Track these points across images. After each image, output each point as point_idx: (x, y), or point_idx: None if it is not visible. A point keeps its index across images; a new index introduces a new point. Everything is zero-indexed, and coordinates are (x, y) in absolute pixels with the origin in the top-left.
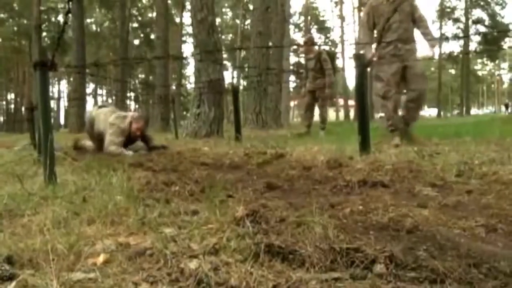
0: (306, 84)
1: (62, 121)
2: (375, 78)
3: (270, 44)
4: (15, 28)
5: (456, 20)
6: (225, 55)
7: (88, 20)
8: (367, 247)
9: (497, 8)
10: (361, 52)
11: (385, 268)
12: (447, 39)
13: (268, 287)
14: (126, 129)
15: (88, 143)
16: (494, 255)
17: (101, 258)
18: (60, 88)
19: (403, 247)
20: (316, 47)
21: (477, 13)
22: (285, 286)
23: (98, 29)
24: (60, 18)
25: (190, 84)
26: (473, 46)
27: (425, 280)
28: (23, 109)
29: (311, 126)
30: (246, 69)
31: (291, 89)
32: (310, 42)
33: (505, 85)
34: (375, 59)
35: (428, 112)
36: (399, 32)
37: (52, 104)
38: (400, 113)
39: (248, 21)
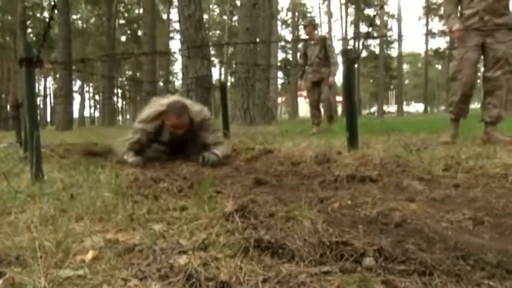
0: (308, 75)
1: (48, 118)
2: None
3: (258, 40)
4: None
5: (442, 17)
6: (212, 52)
7: (74, 17)
8: (356, 240)
9: None
10: (445, 26)
11: (374, 261)
12: (433, 35)
13: (257, 281)
14: (145, 129)
15: None
16: (481, 247)
17: (89, 255)
18: (46, 85)
19: (392, 241)
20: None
21: None
22: (275, 280)
23: (84, 26)
24: (45, 14)
25: (177, 80)
26: None
27: (414, 272)
28: (8, 106)
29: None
30: (234, 66)
31: (279, 86)
32: (311, 26)
33: None
34: (456, 27)
35: (415, 107)
36: (488, 1)
37: (38, 101)
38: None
39: (235, 18)
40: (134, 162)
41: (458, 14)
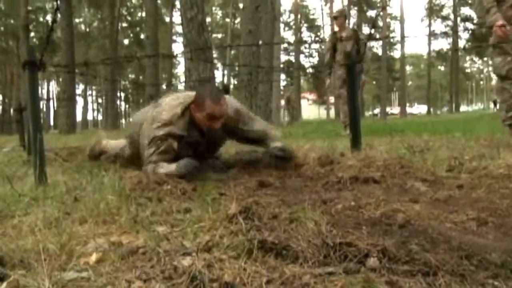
0: (337, 72)
1: (51, 122)
2: (493, 51)
3: (260, 42)
4: (2, 28)
5: (445, 18)
6: (215, 54)
7: (77, 20)
8: (360, 241)
9: None
10: (488, 18)
11: (378, 262)
12: (435, 35)
13: (261, 283)
14: (174, 132)
15: (111, 145)
16: (485, 247)
17: (93, 257)
18: (50, 89)
19: (396, 241)
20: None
21: (465, 11)
22: (279, 281)
23: (87, 29)
24: (48, 18)
25: (180, 83)
26: (461, 43)
27: (418, 273)
28: (11, 110)
29: None
30: (237, 68)
31: (282, 88)
32: (343, 17)
33: (493, 82)
34: (500, 23)
35: (418, 109)
36: None
37: (42, 105)
38: None
39: (238, 20)
40: (183, 168)
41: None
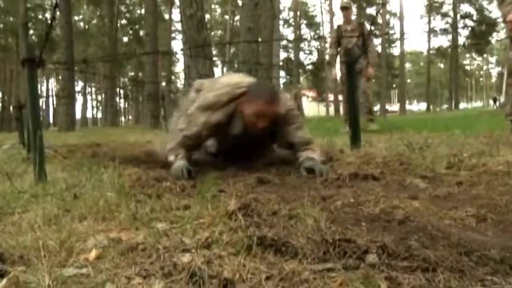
0: (343, 65)
1: (51, 119)
2: (509, 45)
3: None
4: (1, 26)
5: (445, 15)
6: (214, 52)
7: (76, 18)
8: (359, 238)
9: (484, 3)
10: (506, 8)
11: (377, 258)
12: (435, 32)
13: (261, 279)
14: (209, 121)
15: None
16: (484, 243)
17: (93, 254)
18: (49, 87)
19: (395, 238)
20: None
21: (465, 8)
22: (278, 277)
23: (86, 27)
24: (47, 15)
25: (180, 81)
26: (461, 40)
27: (417, 269)
28: (11, 108)
29: None
30: (236, 65)
31: (281, 85)
32: (351, 9)
33: (493, 79)
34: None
35: (417, 106)
36: None
37: (41, 103)
38: None
39: (237, 17)
40: (178, 171)
41: None
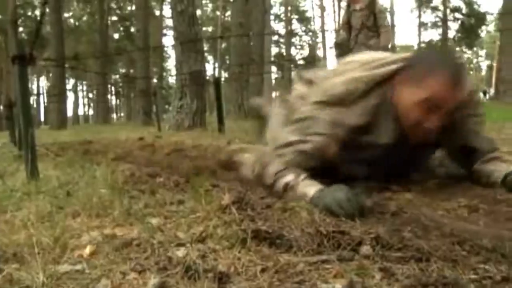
0: (354, 51)
1: (42, 117)
2: None
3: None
4: None
5: (435, 9)
6: (206, 47)
7: (66, 15)
8: (353, 229)
9: None
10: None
11: (371, 249)
12: (425, 25)
13: (256, 271)
14: (341, 122)
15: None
16: (476, 233)
17: (87, 250)
18: (40, 84)
19: (389, 229)
20: None
21: (455, 1)
22: (273, 269)
23: (77, 23)
24: (37, 12)
25: (171, 77)
26: (451, 34)
27: (410, 259)
28: (1, 107)
29: None
30: (227, 61)
31: (273, 80)
32: None
33: (483, 72)
34: None
35: None
36: None
37: (32, 100)
38: None
39: (228, 13)
40: (340, 202)
41: None
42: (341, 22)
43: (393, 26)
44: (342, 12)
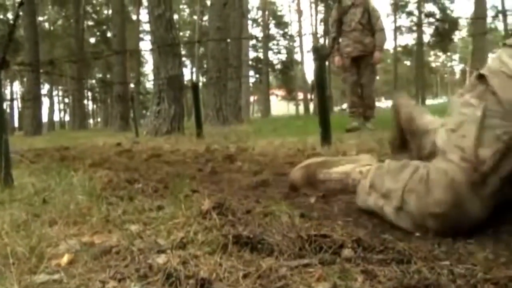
0: (345, 48)
1: (16, 123)
2: None
3: (229, 40)
4: None
5: (410, 14)
6: (183, 52)
7: (40, 18)
8: (334, 233)
9: (447, 3)
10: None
11: (353, 252)
12: (401, 30)
13: (238, 277)
14: None
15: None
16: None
17: (65, 259)
18: (13, 90)
19: (369, 231)
20: None
21: (429, 7)
22: (256, 275)
23: (52, 28)
24: (10, 15)
25: (149, 81)
26: (426, 39)
27: (392, 261)
28: None
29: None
30: (205, 65)
31: (251, 84)
32: None
33: (457, 76)
34: None
35: (386, 103)
36: None
37: (5, 106)
38: None
39: (206, 17)
40: None
41: None
42: (331, 19)
43: None
44: (320, 16)
